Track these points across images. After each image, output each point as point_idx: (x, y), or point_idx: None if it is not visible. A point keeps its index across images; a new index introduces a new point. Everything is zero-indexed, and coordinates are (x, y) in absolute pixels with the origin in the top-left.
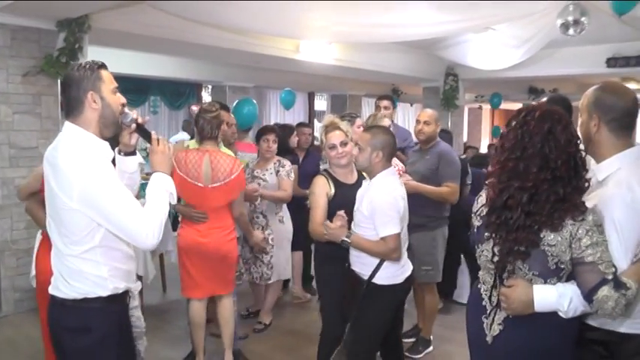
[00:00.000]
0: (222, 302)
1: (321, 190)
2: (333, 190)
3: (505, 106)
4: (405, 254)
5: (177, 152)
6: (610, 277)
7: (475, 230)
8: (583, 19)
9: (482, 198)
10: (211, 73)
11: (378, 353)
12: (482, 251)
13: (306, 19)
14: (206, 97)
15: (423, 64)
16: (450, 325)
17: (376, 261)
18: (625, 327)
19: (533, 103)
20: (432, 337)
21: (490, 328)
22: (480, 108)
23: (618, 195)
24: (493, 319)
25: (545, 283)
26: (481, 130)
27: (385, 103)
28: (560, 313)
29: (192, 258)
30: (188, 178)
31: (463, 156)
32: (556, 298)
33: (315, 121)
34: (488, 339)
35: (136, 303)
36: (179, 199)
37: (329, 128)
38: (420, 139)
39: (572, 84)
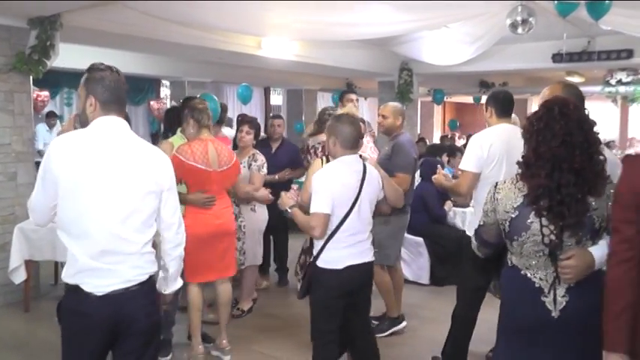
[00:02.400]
0: (223, 287)
1: (315, 170)
2: None
3: (456, 99)
4: (354, 243)
5: (178, 147)
6: None
7: (507, 225)
8: (531, 19)
9: (503, 193)
10: (170, 69)
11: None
12: (528, 238)
13: (267, 17)
14: (165, 92)
15: (379, 60)
16: (413, 303)
17: (321, 243)
18: None
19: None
20: (402, 314)
21: (555, 304)
22: (433, 101)
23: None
24: (555, 294)
25: (594, 244)
26: (433, 123)
27: (354, 96)
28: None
29: (208, 242)
30: (198, 164)
31: None
32: (606, 252)
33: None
34: (554, 314)
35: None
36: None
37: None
38: (380, 130)
39: (520, 78)
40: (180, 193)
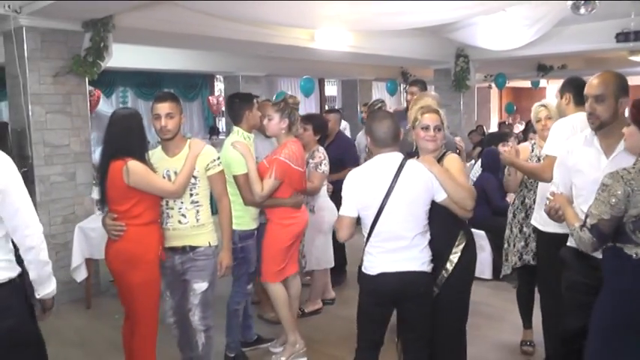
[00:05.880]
0: (296, 280)
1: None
2: None
3: (514, 84)
4: (390, 249)
5: (282, 152)
6: None
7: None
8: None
9: (637, 183)
10: (224, 64)
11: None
12: None
13: (319, 8)
14: (219, 87)
15: (434, 47)
16: (475, 300)
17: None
18: None
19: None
20: None
21: None
22: (490, 87)
23: None
24: None
25: None
26: (490, 109)
27: (414, 89)
28: None
29: (300, 237)
30: (300, 168)
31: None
32: None
33: (326, 107)
34: None
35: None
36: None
37: (425, 109)
38: None
39: (580, 60)
40: (277, 198)
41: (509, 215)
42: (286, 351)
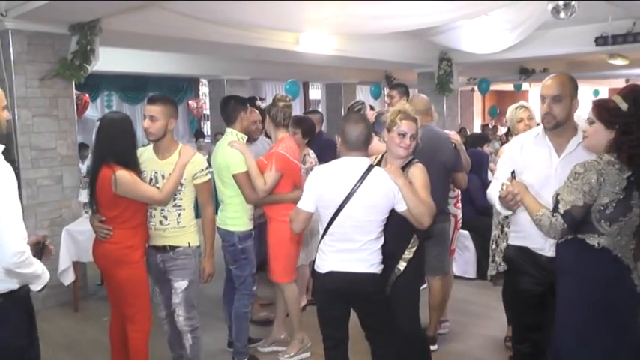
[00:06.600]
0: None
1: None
2: None
3: (496, 87)
4: (341, 249)
5: (280, 146)
6: None
7: (613, 206)
8: (573, 2)
9: (607, 173)
10: (209, 68)
11: None
12: (630, 219)
13: (305, 12)
14: (204, 91)
15: (418, 51)
16: (461, 298)
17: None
18: None
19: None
20: (439, 332)
21: (638, 278)
22: (473, 90)
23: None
24: (637, 269)
25: None
26: (473, 112)
27: (393, 93)
28: None
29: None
30: (298, 162)
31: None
32: None
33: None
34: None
35: (177, 300)
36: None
37: (404, 115)
38: None
39: (561, 63)
40: (278, 194)
41: (500, 216)
42: (294, 347)
